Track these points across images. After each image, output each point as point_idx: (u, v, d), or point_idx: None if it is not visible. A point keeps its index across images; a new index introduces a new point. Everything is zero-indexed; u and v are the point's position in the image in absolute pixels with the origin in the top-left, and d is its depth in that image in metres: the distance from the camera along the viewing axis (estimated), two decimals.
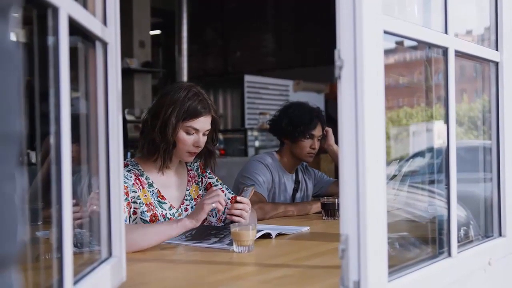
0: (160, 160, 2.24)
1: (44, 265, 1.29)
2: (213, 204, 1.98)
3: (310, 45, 9.04)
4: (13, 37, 0.55)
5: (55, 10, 1.00)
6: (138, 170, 2.24)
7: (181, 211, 2.31)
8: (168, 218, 2.23)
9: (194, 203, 2.35)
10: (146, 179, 2.24)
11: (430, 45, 1.55)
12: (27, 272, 1.02)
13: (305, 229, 2.36)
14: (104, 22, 1.35)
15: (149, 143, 2.22)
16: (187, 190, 2.37)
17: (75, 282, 1.09)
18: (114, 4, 1.38)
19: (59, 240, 1.00)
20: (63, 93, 1.01)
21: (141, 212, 2.17)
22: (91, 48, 1.33)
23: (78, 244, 1.36)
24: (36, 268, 1.14)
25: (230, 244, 1.91)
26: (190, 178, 2.39)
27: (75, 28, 1.11)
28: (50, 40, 1.01)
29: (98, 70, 1.35)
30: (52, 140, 1.01)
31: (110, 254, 1.37)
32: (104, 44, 1.35)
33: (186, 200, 2.35)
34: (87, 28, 1.19)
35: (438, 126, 1.89)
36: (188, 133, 2.21)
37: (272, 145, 7.19)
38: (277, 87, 8.12)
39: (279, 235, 2.18)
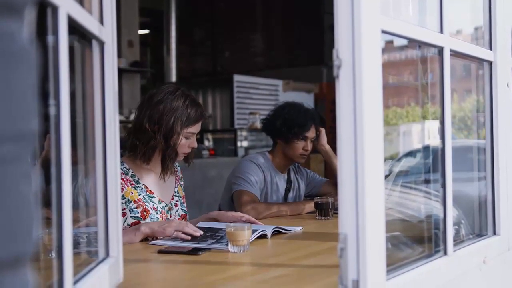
0: (160, 165, 2.32)
1: (41, 266, 1.28)
2: (175, 233, 2.04)
3: (300, 45, 9.06)
4: (28, 35, 0.54)
5: (55, 9, 0.99)
6: (122, 169, 2.26)
7: (171, 205, 2.37)
8: (159, 211, 2.28)
9: (182, 200, 2.44)
10: (131, 176, 2.28)
11: (426, 45, 1.55)
12: None
13: (299, 229, 2.36)
14: (101, 21, 1.34)
15: (150, 150, 2.26)
16: (176, 187, 2.44)
17: (74, 283, 1.08)
18: (111, 3, 1.37)
19: (59, 241, 0.99)
20: (63, 92, 1.00)
21: (129, 210, 2.20)
22: (88, 47, 1.32)
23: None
24: (33, 268, 1.13)
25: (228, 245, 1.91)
26: (177, 177, 2.47)
27: (72, 27, 1.10)
28: (49, 39, 1.00)
29: (95, 70, 1.34)
30: (51, 139, 1.00)
31: (107, 254, 1.36)
32: (101, 44, 1.34)
33: (176, 196, 2.42)
34: (85, 27, 1.18)
35: (429, 125, 1.89)
36: (187, 138, 2.30)
37: (262, 145, 7.18)
38: (266, 87, 8.11)
39: (275, 234, 2.19)
